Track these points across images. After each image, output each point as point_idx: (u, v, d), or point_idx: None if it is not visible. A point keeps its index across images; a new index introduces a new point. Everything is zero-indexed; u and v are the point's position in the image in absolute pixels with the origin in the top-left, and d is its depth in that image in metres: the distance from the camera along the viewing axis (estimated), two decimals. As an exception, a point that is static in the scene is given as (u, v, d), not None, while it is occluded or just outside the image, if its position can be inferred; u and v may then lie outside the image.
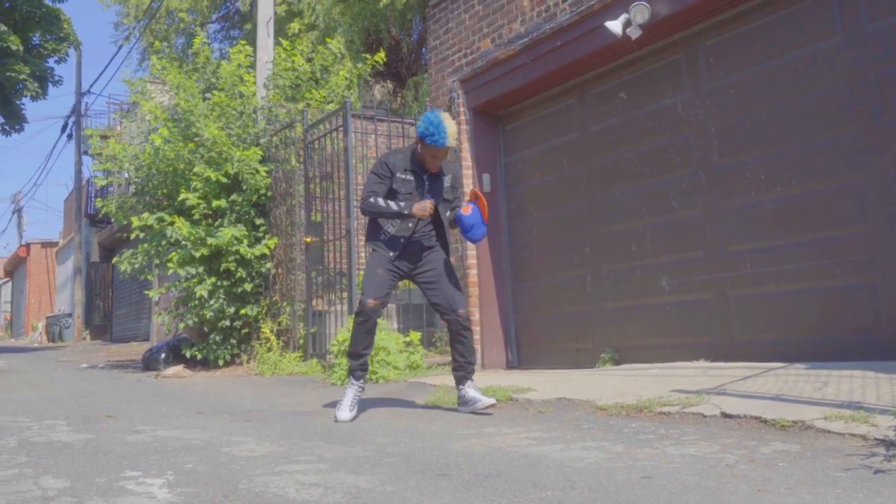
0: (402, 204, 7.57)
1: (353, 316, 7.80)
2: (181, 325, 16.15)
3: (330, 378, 11.25)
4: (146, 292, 18.47)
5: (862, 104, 7.82)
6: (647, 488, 4.10)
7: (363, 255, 14.38)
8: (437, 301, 7.73)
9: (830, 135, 8.06)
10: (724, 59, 9.21)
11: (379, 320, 10.74)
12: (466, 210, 7.63)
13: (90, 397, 10.81)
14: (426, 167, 7.72)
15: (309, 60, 17.80)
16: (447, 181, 7.85)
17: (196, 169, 14.92)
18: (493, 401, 7.46)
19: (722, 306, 9.05)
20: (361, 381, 7.64)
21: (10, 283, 72.15)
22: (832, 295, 8.02)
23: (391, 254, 7.63)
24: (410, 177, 7.69)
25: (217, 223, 15.21)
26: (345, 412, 7.40)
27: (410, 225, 7.63)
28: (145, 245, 15.83)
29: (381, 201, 7.64)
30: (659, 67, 10.01)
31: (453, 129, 7.56)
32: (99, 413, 8.53)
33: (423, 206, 7.48)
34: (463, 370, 7.65)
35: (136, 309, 34.90)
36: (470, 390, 7.57)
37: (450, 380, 8.23)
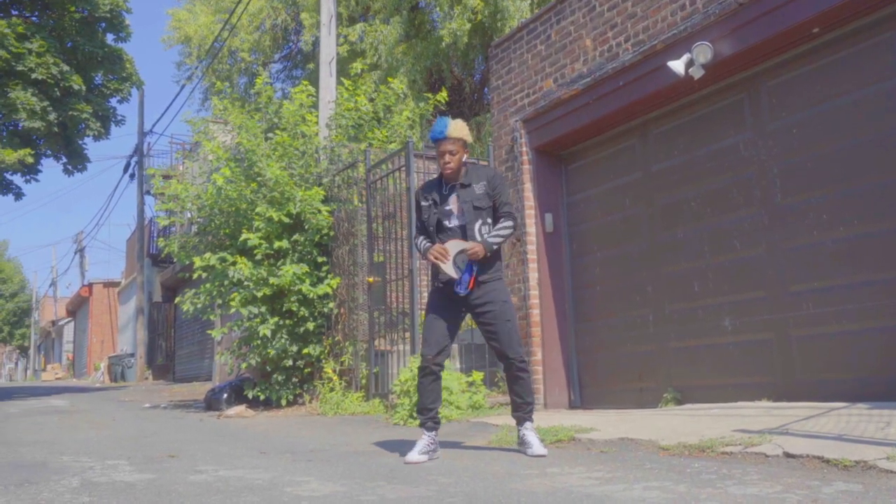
0: (426, 244, 7.67)
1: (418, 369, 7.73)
2: (244, 365, 16.19)
3: (392, 418, 11.24)
4: (209, 332, 18.57)
5: (925, 144, 7.79)
6: (708, 528, 4.09)
7: (425, 294, 14.43)
8: (493, 343, 7.62)
9: (893, 175, 8.02)
10: (786, 99, 9.19)
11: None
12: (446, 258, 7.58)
13: (152, 437, 10.88)
14: (444, 176, 7.71)
15: (371, 100, 17.84)
16: (479, 188, 7.66)
17: (258, 209, 15.02)
18: (545, 452, 7.35)
19: (784, 346, 8.99)
20: (433, 432, 7.54)
21: (72, 323, 72.39)
22: (894, 335, 7.97)
23: (436, 283, 7.69)
24: (429, 201, 7.70)
25: (279, 263, 15.29)
26: (414, 454, 7.34)
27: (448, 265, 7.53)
28: (207, 285, 15.97)
29: (417, 243, 7.82)
30: (721, 107, 10.00)
31: (457, 124, 7.62)
32: (161, 453, 8.55)
33: (434, 252, 7.53)
34: (521, 410, 7.59)
35: (199, 349, 34.95)
36: (528, 433, 7.52)
37: (512, 420, 8.22)
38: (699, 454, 6.48)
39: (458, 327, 7.90)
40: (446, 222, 7.63)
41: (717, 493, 4.91)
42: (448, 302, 7.61)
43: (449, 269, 7.48)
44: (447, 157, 7.59)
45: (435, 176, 8.06)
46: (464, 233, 7.56)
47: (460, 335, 14.04)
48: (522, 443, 7.54)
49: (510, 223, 7.65)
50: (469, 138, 7.75)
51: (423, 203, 7.76)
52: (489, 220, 7.63)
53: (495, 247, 7.53)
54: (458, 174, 7.69)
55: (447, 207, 7.64)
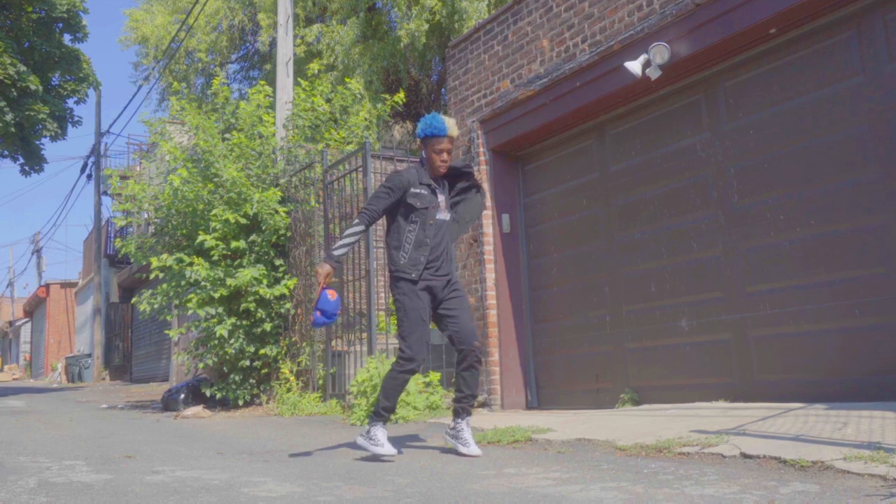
0: (336, 251, 7.63)
1: (395, 366, 7.53)
2: (200, 366, 16.18)
3: (349, 418, 11.22)
4: (166, 332, 18.52)
5: (883, 145, 7.82)
6: (665, 528, 4.08)
7: (383, 295, 14.39)
8: (456, 331, 7.50)
9: (851, 176, 8.05)
10: (743, 100, 9.22)
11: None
12: (333, 295, 7.63)
13: (109, 437, 10.82)
14: (435, 171, 7.62)
15: (328, 101, 17.80)
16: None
17: (215, 211, 14.96)
18: (479, 452, 7.34)
19: (741, 347, 9.02)
20: (384, 424, 7.49)
21: (29, 324, 72.40)
22: (852, 335, 7.99)
23: (413, 275, 7.45)
24: (425, 191, 7.55)
25: (236, 263, 15.25)
26: (388, 447, 7.34)
27: (428, 242, 7.49)
28: (165, 285, 15.91)
29: (351, 226, 7.64)
30: (678, 108, 10.03)
31: (452, 122, 7.60)
32: (118, 453, 8.52)
33: (322, 271, 7.53)
34: (464, 402, 7.53)
35: (156, 349, 34.90)
36: (467, 429, 7.49)
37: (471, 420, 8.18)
38: (656, 455, 6.49)
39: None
40: (439, 216, 7.58)
41: (675, 494, 4.90)
42: (426, 303, 7.50)
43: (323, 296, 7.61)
44: (445, 156, 7.58)
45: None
46: (446, 228, 7.63)
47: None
48: (458, 438, 7.49)
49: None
50: (456, 136, 7.78)
51: (416, 189, 7.53)
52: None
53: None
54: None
55: (437, 201, 7.60)
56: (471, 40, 12.85)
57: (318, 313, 7.60)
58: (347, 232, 7.60)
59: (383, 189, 7.60)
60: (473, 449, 7.35)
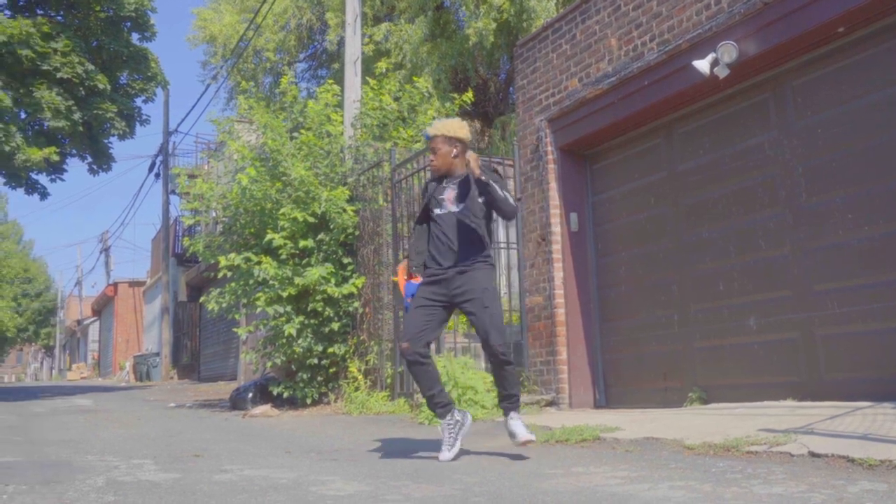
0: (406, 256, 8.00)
1: None
2: (269, 364, 16.19)
3: (417, 417, 11.24)
4: (235, 330, 18.56)
5: (951, 143, 7.78)
6: (733, 527, 4.10)
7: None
8: (476, 330, 7.62)
9: (919, 174, 8.02)
10: (811, 98, 9.19)
11: (466, 359, 10.79)
12: (417, 279, 7.76)
13: (177, 436, 10.91)
14: (436, 171, 7.94)
15: (396, 99, 17.76)
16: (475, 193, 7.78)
17: (283, 209, 15.02)
18: (532, 436, 7.41)
19: (809, 345, 8.99)
20: (447, 417, 7.51)
21: (97, 323, 72.41)
22: (921, 334, 7.96)
23: (421, 280, 7.71)
24: (433, 185, 7.92)
25: (304, 262, 15.32)
26: (444, 454, 7.36)
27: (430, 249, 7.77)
28: (233, 284, 15.99)
29: (412, 234, 8.11)
30: (746, 106, 10.00)
31: (446, 122, 7.88)
32: (186, 452, 8.56)
33: (399, 272, 7.84)
34: (506, 401, 7.57)
35: (224, 348, 34.91)
36: (514, 422, 7.50)
37: (539, 419, 8.22)
38: (724, 453, 6.49)
39: (441, 317, 7.75)
40: (437, 210, 7.76)
41: (742, 493, 4.92)
42: (429, 293, 7.61)
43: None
44: (431, 156, 7.89)
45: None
46: (453, 221, 7.67)
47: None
48: (510, 434, 7.53)
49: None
50: (459, 135, 7.83)
51: (429, 189, 7.97)
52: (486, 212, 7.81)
53: (489, 186, 7.51)
54: (451, 170, 7.85)
55: (441, 197, 7.77)
56: (539, 39, 12.86)
57: (409, 300, 7.67)
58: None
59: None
60: (522, 436, 7.40)
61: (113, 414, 16.38)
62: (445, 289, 7.58)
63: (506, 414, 7.60)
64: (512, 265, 14.21)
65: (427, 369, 7.56)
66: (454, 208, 7.68)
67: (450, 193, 7.74)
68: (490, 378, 11.12)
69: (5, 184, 25.68)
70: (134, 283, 60.54)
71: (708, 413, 9.13)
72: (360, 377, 14.41)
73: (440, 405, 7.55)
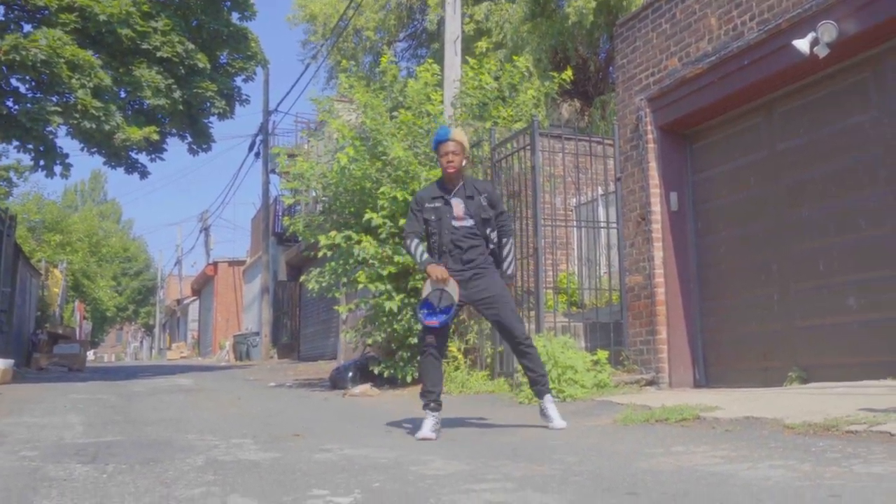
0: (424, 256, 8.14)
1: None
2: (369, 341, 16.22)
3: (517, 397, 11.32)
4: (335, 308, 18.60)
5: None
6: (833, 507, 4.13)
7: (551, 273, 14.45)
8: (498, 326, 8.31)
9: None
10: (913, 78, 9.14)
11: (566, 338, 10.89)
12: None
13: (277, 416, 11.04)
14: (446, 179, 8.29)
15: (496, 79, 17.73)
16: (483, 200, 8.24)
17: (382, 189, 15.10)
18: (564, 424, 7.92)
19: (911, 325, 8.96)
20: (437, 413, 8.05)
21: (197, 302, 72.74)
22: None
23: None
24: (438, 203, 8.19)
25: (404, 241, 15.31)
26: (426, 432, 7.81)
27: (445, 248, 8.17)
28: (332, 263, 16.04)
29: (411, 245, 8.30)
30: (846, 86, 9.95)
31: (458, 130, 8.42)
32: (286, 432, 8.63)
33: (437, 271, 7.95)
34: (538, 384, 8.12)
35: (324, 327, 34.94)
36: (549, 405, 8.09)
37: (639, 398, 8.27)
38: (824, 433, 6.49)
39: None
40: (455, 222, 8.13)
41: (842, 472, 4.94)
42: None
43: (434, 294, 7.99)
44: (450, 157, 8.17)
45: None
46: (473, 233, 8.15)
47: (585, 314, 14.09)
48: (544, 416, 8.05)
49: (511, 239, 8.54)
50: (468, 146, 8.40)
51: (430, 205, 8.23)
52: (492, 227, 8.31)
53: (514, 272, 8.69)
54: (457, 178, 8.26)
55: (454, 209, 8.16)
56: (639, 18, 12.86)
57: (433, 316, 8.04)
58: (409, 250, 8.42)
59: (410, 211, 8.43)
60: (557, 423, 7.99)
61: (213, 393, 16.56)
62: (464, 289, 8.05)
63: (540, 396, 8.14)
64: (612, 244, 14.24)
65: (439, 365, 8.26)
66: (467, 223, 8.16)
67: (458, 208, 8.17)
68: (590, 357, 11.23)
69: (105, 163, 25.85)
70: (234, 263, 60.54)
71: (807, 392, 9.12)
72: (459, 356, 14.48)
73: (437, 402, 8.12)
